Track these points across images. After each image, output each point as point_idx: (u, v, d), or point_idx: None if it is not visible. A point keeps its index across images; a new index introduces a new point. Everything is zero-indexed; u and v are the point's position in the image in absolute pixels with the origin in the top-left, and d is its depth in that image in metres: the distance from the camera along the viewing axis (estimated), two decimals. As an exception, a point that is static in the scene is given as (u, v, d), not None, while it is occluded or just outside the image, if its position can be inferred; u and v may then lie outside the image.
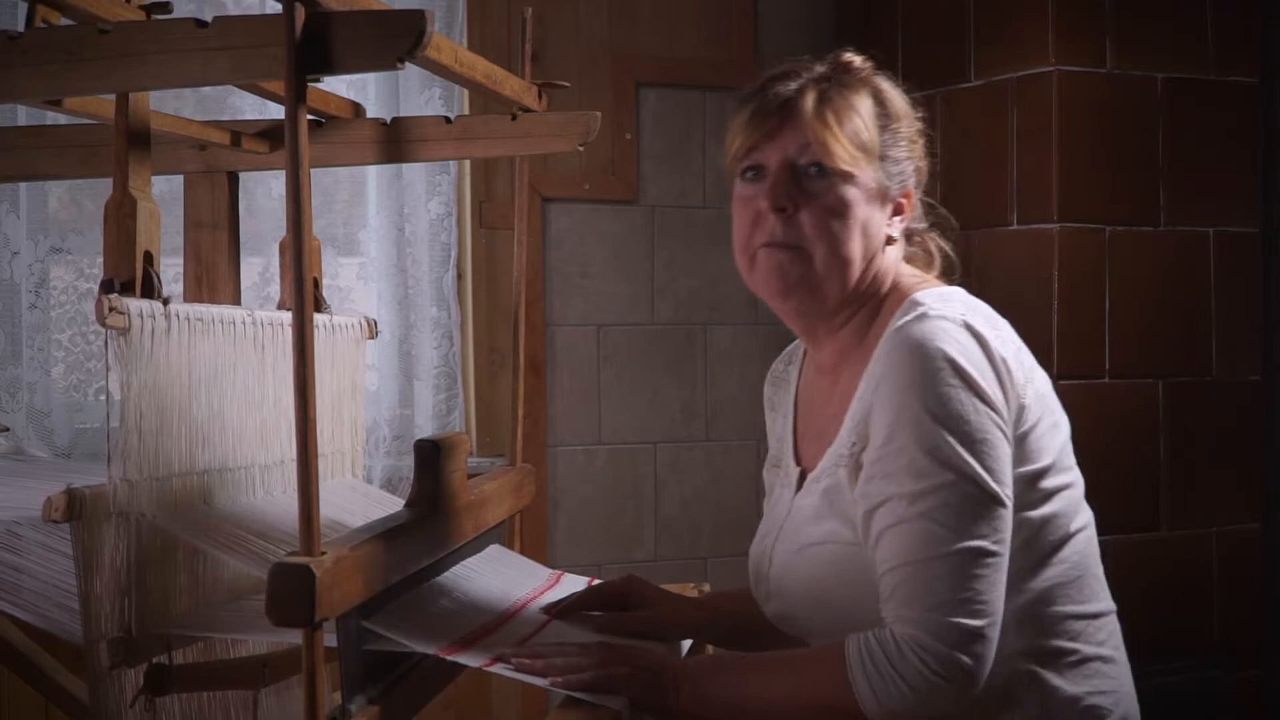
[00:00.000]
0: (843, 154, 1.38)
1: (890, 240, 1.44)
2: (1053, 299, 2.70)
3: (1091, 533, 1.41)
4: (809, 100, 1.39)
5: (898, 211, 1.44)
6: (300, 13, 1.16)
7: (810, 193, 1.39)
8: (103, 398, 2.58)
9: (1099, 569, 1.42)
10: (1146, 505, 2.79)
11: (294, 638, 1.31)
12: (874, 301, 1.44)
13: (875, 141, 1.40)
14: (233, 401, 1.48)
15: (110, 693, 1.34)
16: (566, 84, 1.90)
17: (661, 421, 3.09)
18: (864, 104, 1.41)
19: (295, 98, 1.17)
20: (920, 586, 1.27)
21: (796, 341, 1.58)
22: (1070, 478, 1.39)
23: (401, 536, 1.36)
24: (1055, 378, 2.65)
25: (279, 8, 1.17)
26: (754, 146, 1.41)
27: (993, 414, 1.30)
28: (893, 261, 1.45)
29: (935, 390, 1.29)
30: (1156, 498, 2.80)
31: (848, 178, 1.39)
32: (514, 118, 1.84)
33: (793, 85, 1.41)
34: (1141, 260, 2.78)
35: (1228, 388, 2.88)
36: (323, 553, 1.18)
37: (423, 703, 1.45)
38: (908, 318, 1.35)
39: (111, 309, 1.29)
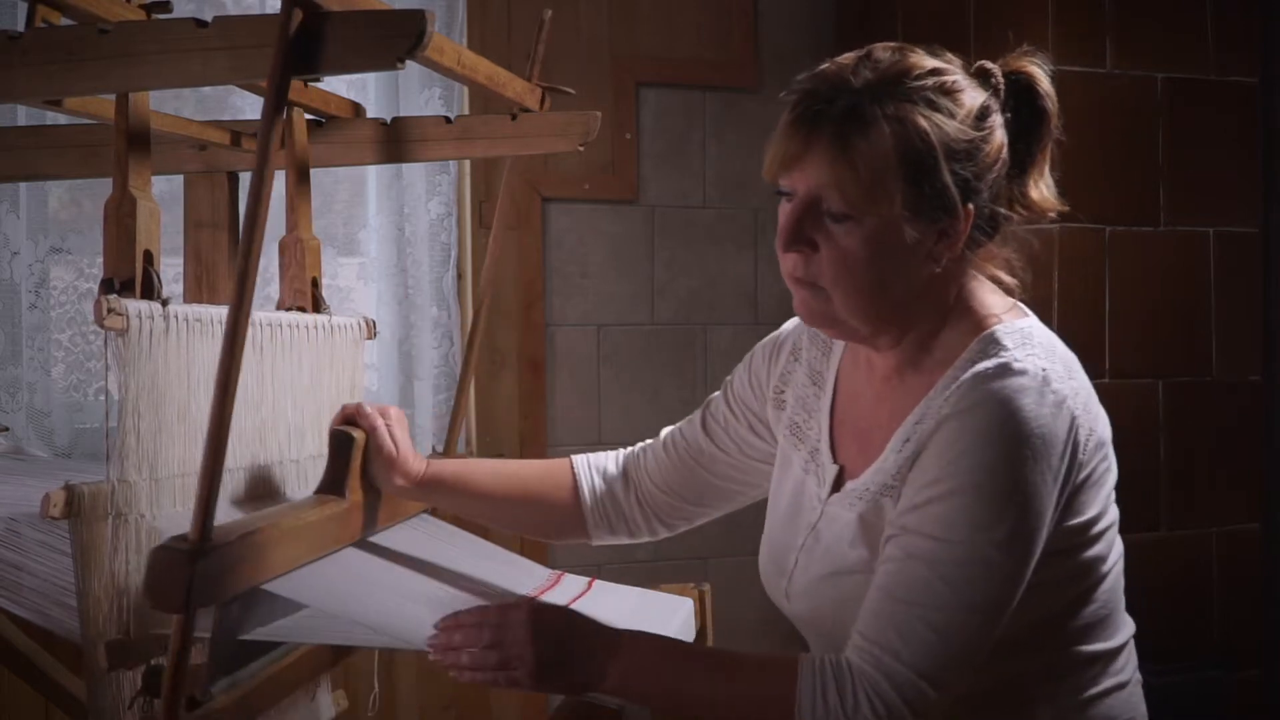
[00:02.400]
0: (856, 199, 1.27)
1: (934, 272, 1.33)
2: (1053, 299, 2.70)
3: (1121, 565, 1.39)
4: (828, 134, 1.28)
5: (946, 235, 1.31)
6: (297, 14, 1.16)
7: (828, 233, 1.29)
8: (102, 398, 2.58)
9: (1123, 600, 1.39)
10: (1146, 505, 2.80)
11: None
12: (934, 319, 1.36)
13: (901, 179, 1.27)
14: (232, 402, 1.48)
15: (108, 693, 1.34)
16: (571, 90, 1.90)
17: (661, 421, 3.05)
18: (897, 133, 1.27)
19: (276, 96, 1.17)
20: (900, 631, 1.24)
21: None
22: (1110, 518, 1.37)
23: (301, 524, 1.38)
24: (1055, 378, 2.68)
25: (279, 7, 1.17)
26: (784, 167, 1.31)
27: (1051, 491, 1.26)
28: (952, 279, 1.36)
29: (1008, 460, 1.24)
30: (1156, 498, 2.80)
31: (864, 223, 1.28)
32: (514, 118, 1.84)
33: (828, 103, 1.28)
34: (1141, 260, 2.79)
35: (1228, 388, 2.88)
36: (207, 539, 1.19)
37: (292, 688, 1.49)
38: (989, 365, 1.28)
39: (110, 310, 1.29)
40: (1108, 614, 1.36)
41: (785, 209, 1.32)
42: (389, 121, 1.91)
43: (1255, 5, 2.90)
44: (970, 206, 1.31)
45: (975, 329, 1.34)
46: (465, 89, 2.80)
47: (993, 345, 1.31)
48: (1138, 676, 1.41)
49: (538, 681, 1.30)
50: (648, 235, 3.10)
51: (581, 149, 1.86)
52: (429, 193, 2.84)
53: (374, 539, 1.57)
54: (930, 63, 1.32)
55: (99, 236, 1.47)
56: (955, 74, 1.33)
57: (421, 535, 1.66)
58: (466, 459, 1.75)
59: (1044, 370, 1.27)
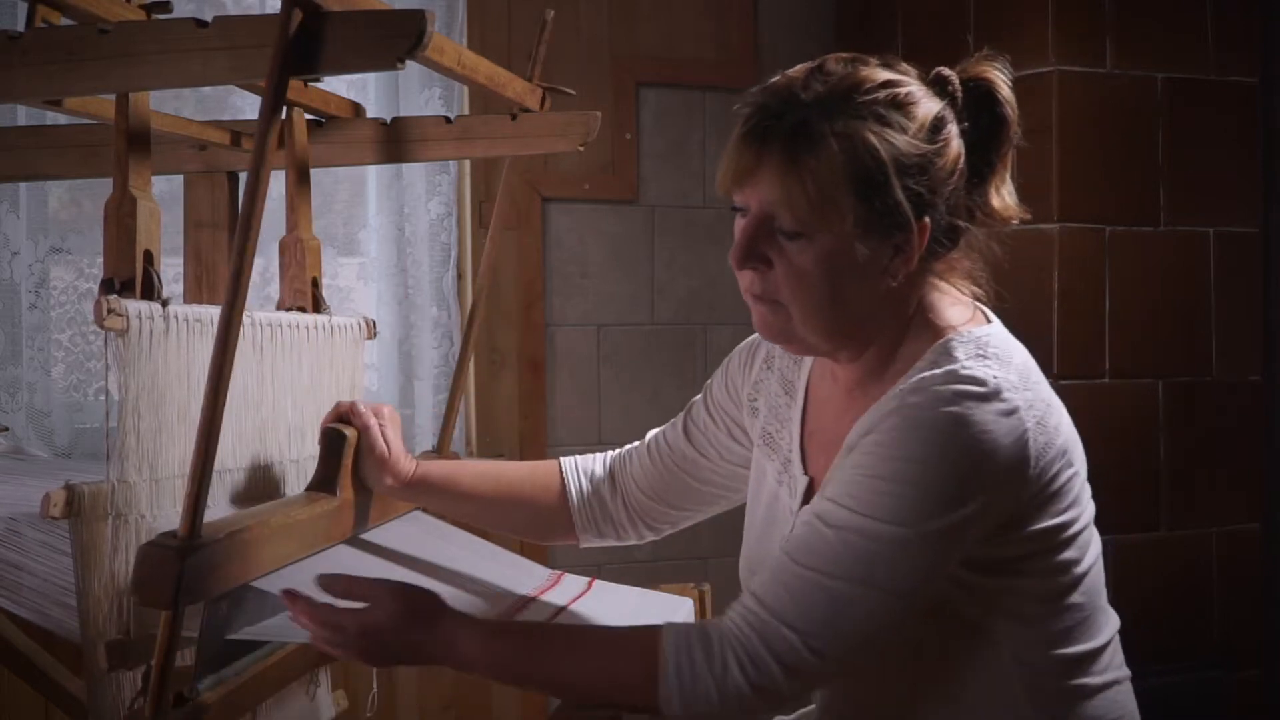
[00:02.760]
0: (807, 218, 1.26)
1: (891, 286, 1.31)
2: (1053, 299, 2.70)
3: (1099, 565, 1.36)
4: (777, 151, 1.26)
5: (901, 250, 1.30)
6: (297, 15, 1.16)
7: (782, 250, 1.29)
8: (103, 398, 2.58)
9: (1104, 596, 1.37)
10: (1146, 505, 2.79)
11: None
12: (893, 332, 1.35)
13: (851, 196, 1.26)
14: (231, 402, 1.48)
15: (108, 693, 1.34)
16: (571, 91, 1.90)
17: (661, 421, 3.05)
18: (846, 151, 1.25)
19: (274, 96, 1.17)
20: (792, 592, 1.23)
21: None
22: (1081, 522, 1.32)
23: (291, 521, 1.39)
24: (1055, 378, 2.68)
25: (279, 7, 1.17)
26: (735, 183, 1.31)
27: (986, 500, 1.23)
28: (911, 292, 1.34)
29: (945, 458, 1.21)
30: (1156, 498, 2.80)
31: (816, 240, 1.27)
32: (514, 118, 1.84)
33: (778, 118, 1.27)
34: (1141, 260, 2.78)
35: (1228, 388, 2.88)
36: (196, 536, 1.20)
37: (280, 685, 1.50)
38: (936, 372, 1.27)
39: (110, 310, 1.29)
40: (1086, 615, 1.33)
41: (739, 224, 1.31)
42: (389, 121, 1.91)
43: (1255, 5, 2.90)
44: (926, 220, 1.29)
45: (933, 340, 1.32)
46: (465, 89, 2.80)
47: (944, 356, 1.29)
48: (1125, 673, 1.38)
49: (388, 668, 1.33)
50: (648, 235, 3.10)
51: (581, 149, 1.86)
52: (429, 193, 2.84)
53: (368, 536, 1.57)
54: (882, 75, 1.29)
55: (99, 236, 1.47)
56: (909, 85, 1.30)
57: (417, 532, 1.66)
58: (455, 460, 1.75)
59: (995, 378, 1.25)
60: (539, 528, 1.66)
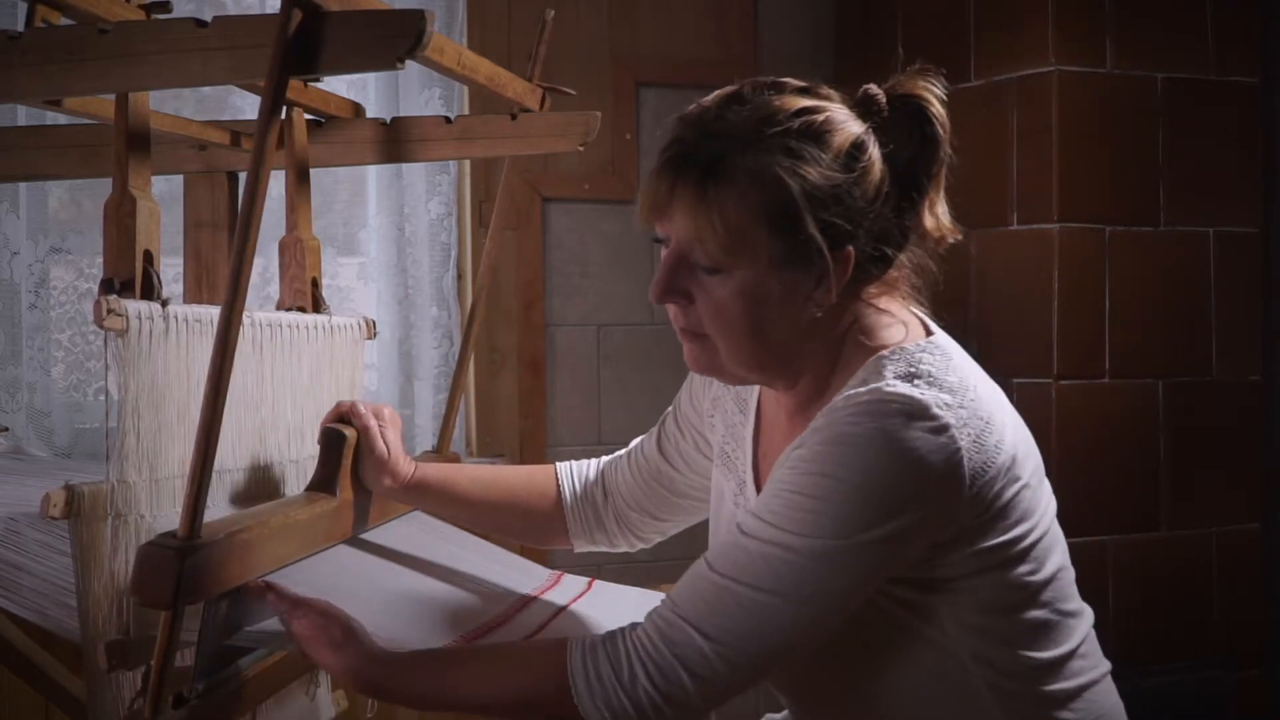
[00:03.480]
0: (718, 255, 1.24)
1: (817, 316, 1.28)
2: (1053, 299, 2.70)
3: (1065, 570, 1.33)
4: (689, 187, 1.24)
5: (823, 281, 1.26)
6: (296, 15, 1.16)
7: (702, 284, 1.27)
8: (103, 398, 2.58)
9: (1073, 599, 1.34)
10: (1146, 505, 2.79)
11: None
12: (826, 359, 1.32)
13: (764, 231, 1.23)
14: (231, 402, 1.48)
15: (108, 693, 1.34)
16: (571, 91, 1.90)
17: (661, 421, 3.08)
18: (757, 187, 1.23)
19: (273, 96, 1.18)
20: (705, 601, 1.22)
21: None
22: (1034, 535, 1.28)
23: (291, 522, 1.39)
24: (1055, 378, 2.69)
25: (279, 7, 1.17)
26: (652, 215, 1.29)
27: (914, 521, 1.20)
28: (842, 317, 1.31)
29: (861, 476, 1.19)
30: (1156, 498, 2.80)
31: (734, 275, 1.25)
32: (514, 117, 1.84)
33: (692, 149, 1.25)
34: (1141, 260, 2.78)
35: (1228, 388, 2.88)
36: (195, 536, 1.20)
37: (280, 686, 1.51)
38: (862, 390, 1.23)
39: (110, 310, 1.29)
40: (1053, 623, 1.30)
41: (663, 255, 1.30)
42: (389, 121, 1.91)
43: (1255, 5, 2.90)
44: (849, 249, 1.25)
45: (861, 353, 1.30)
46: (465, 89, 2.80)
47: (874, 374, 1.26)
48: (1102, 670, 1.35)
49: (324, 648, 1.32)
50: (647, 235, 3.09)
51: (581, 149, 1.86)
52: (429, 193, 2.84)
53: (368, 536, 1.57)
54: (797, 103, 1.25)
55: (99, 236, 1.47)
56: (826, 111, 1.25)
57: (416, 532, 1.66)
58: (453, 464, 1.75)
59: (922, 396, 1.21)
60: (534, 533, 1.66)
